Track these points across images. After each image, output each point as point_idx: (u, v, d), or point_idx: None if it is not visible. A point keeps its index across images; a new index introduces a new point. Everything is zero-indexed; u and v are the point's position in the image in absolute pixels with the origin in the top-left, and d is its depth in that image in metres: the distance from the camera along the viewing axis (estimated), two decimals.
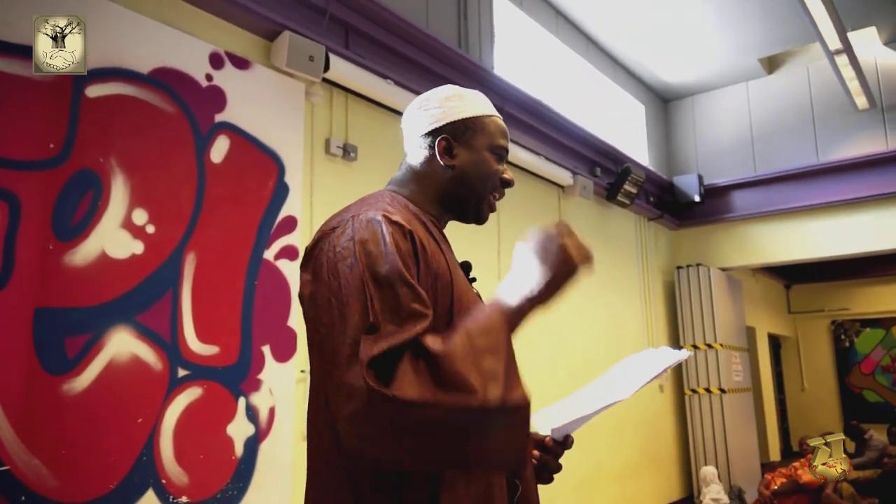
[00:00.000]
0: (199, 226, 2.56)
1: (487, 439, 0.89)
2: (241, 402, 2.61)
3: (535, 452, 1.16)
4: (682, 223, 6.83)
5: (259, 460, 2.63)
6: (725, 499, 5.39)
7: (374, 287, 0.93)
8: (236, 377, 2.61)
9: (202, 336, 2.52)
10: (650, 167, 6.34)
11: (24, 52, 2.08)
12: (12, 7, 2.14)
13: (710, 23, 5.61)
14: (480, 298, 1.16)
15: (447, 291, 1.04)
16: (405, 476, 0.96)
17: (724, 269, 6.68)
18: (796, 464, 5.40)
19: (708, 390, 6.25)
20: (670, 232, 6.90)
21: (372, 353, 0.87)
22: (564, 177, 4.93)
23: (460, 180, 1.16)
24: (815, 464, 4.22)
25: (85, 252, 2.23)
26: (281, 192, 2.89)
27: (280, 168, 2.90)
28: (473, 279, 1.20)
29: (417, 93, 2.47)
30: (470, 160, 1.16)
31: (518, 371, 0.95)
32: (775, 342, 10.20)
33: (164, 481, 2.33)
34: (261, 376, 2.69)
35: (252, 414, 2.64)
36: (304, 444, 1.07)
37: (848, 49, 4.75)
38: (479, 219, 1.22)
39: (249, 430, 2.62)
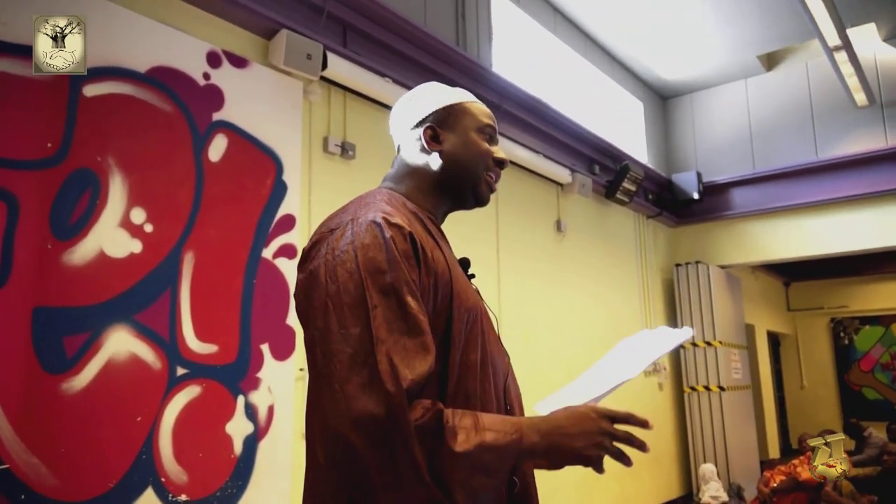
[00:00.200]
0: (197, 224, 2.56)
1: None
2: (240, 400, 2.61)
3: None
4: (681, 221, 6.83)
5: (258, 458, 2.63)
6: (724, 496, 5.40)
7: (378, 296, 0.94)
8: (235, 375, 2.61)
9: (201, 335, 2.52)
10: (649, 165, 6.34)
11: (23, 51, 2.08)
12: (10, 7, 2.14)
13: (708, 20, 5.61)
14: (479, 295, 1.17)
15: (447, 290, 1.04)
16: None
17: (723, 267, 6.68)
18: (795, 461, 5.40)
19: (707, 388, 6.25)
20: (669, 229, 6.90)
21: (405, 386, 0.89)
22: (563, 174, 4.93)
23: (452, 165, 1.17)
24: (814, 464, 4.22)
25: (83, 251, 2.23)
26: (279, 190, 2.89)
27: (278, 166, 2.90)
28: (472, 275, 1.20)
29: None
30: (458, 142, 1.18)
31: (495, 496, 0.99)
32: (774, 340, 10.21)
33: (163, 480, 2.33)
34: (260, 375, 2.69)
35: (251, 412, 2.64)
36: (304, 442, 1.07)
37: (847, 45, 4.74)
38: (479, 200, 1.22)
39: (248, 428, 2.62)
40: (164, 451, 2.35)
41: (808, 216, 6.14)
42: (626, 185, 5.59)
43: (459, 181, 1.18)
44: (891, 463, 5.53)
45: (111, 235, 2.31)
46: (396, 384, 0.88)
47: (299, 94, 3.05)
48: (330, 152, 3.23)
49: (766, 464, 7.09)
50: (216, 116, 2.70)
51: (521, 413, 1.19)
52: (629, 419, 1.00)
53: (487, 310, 1.16)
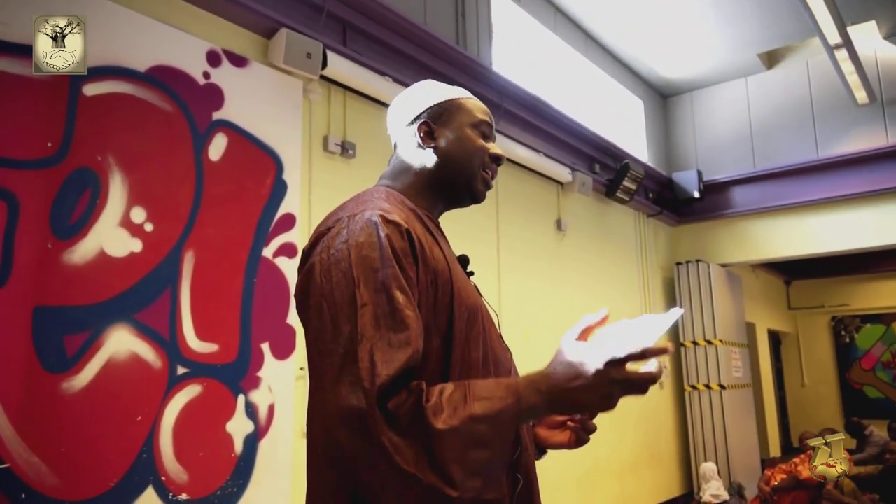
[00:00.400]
0: (197, 224, 2.56)
1: None
2: (241, 399, 2.61)
3: (546, 435, 1.16)
4: (681, 219, 6.82)
5: (258, 457, 2.63)
6: (725, 495, 5.39)
7: (369, 294, 0.93)
8: (235, 375, 2.61)
9: (201, 334, 2.52)
10: (649, 163, 6.33)
11: (23, 51, 2.08)
12: (10, 6, 2.14)
13: (708, 18, 5.60)
14: (479, 292, 1.16)
15: (447, 287, 1.04)
16: None
17: (723, 266, 6.67)
18: (796, 460, 5.39)
19: (708, 386, 6.25)
20: (670, 228, 6.89)
21: (378, 382, 0.87)
22: (563, 173, 4.93)
23: (447, 161, 1.17)
24: (815, 464, 4.21)
25: (83, 250, 2.23)
26: (279, 189, 2.88)
27: (278, 165, 2.90)
28: (471, 273, 1.20)
29: None
30: (453, 139, 1.17)
31: (505, 464, 0.95)
32: (775, 338, 10.20)
33: (163, 479, 2.33)
34: (260, 374, 2.69)
35: (251, 411, 2.64)
36: (304, 441, 1.07)
37: (847, 43, 4.74)
38: (475, 197, 1.21)
39: (249, 427, 2.62)
40: (164, 450, 2.35)
41: (809, 214, 6.13)
42: (627, 183, 5.59)
43: (454, 177, 1.18)
44: (892, 461, 5.54)
45: (111, 235, 2.31)
46: (371, 380, 0.87)
47: (299, 93, 3.05)
48: (330, 151, 3.23)
49: (766, 462, 7.08)
50: (216, 115, 2.69)
51: None
52: (645, 354, 0.90)
53: (488, 307, 1.16)
